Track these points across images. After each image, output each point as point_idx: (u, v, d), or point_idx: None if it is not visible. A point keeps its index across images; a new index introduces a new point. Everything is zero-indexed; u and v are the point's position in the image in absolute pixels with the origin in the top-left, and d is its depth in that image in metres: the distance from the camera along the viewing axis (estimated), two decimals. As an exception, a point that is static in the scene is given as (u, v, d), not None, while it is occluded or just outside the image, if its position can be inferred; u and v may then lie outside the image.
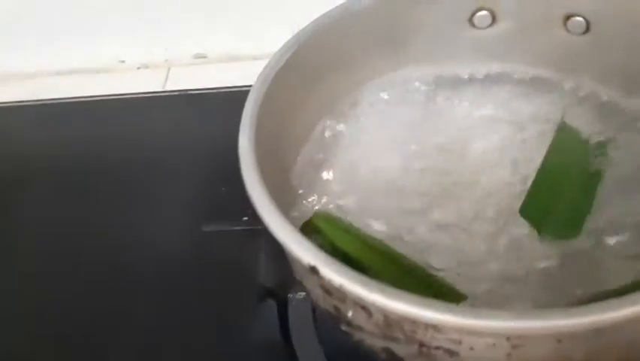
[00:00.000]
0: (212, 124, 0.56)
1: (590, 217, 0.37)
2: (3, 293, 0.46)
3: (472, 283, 0.35)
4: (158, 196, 0.51)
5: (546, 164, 0.40)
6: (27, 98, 0.61)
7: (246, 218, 0.46)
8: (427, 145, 0.43)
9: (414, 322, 0.28)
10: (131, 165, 0.54)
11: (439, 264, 0.37)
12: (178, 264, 0.46)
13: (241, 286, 0.44)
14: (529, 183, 0.39)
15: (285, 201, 0.35)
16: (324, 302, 0.32)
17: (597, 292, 0.32)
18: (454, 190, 0.40)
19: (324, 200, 0.41)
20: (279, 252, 0.35)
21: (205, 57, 0.64)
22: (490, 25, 0.44)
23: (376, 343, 0.31)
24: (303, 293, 0.42)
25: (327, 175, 0.42)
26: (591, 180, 0.39)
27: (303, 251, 0.29)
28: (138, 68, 0.64)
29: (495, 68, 0.45)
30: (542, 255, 0.36)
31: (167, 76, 0.63)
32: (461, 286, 0.35)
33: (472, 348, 0.28)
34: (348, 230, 0.38)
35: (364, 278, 0.28)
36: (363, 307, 0.29)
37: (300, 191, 0.41)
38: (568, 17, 0.42)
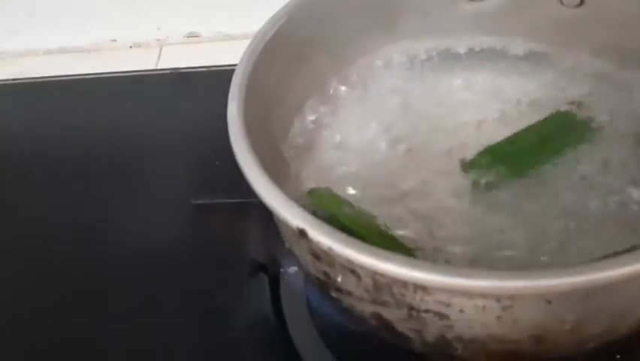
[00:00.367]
0: (205, 103, 0.55)
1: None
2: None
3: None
4: (151, 173, 0.51)
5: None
6: (16, 77, 0.60)
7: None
8: (419, 121, 0.43)
9: (403, 284, 0.28)
10: (124, 144, 0.54)
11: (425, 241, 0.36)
12: (170, 237, 0.46)
13: (233, 260, 0.44)
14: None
15: (276, 174, 0.34)
16: (314, 269, 0.32)
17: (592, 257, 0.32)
18: (443, 166, 0.40)
19: (315, 175, 0.40)
20: (271, 226, 0.35)
21: (198, 36, 0.63)
22: (484, -2, 0.43)
23: (366, 308, 0.31)
24: (295, 268, 0.42)
25: (317, 150, 0.42)
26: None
27: (291, 215, 0.29)
28: (130, 47, 0.64)
29: (489, 42, 0.45)
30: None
31: (159, 55, 0.62)
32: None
33: (461, 311, 0.28)
34: (346, 205, 0.38)
35: (353, 240, 0.28)
36: (352, 270, 0.29)
37: (292, 165, 0.40)
38: (562, -11, 0.42)
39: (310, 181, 0.40)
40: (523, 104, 0.43)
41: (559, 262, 0.33)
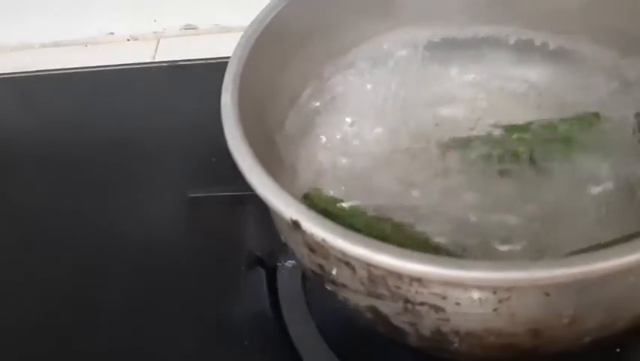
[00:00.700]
0: (202, 95, 0.55)
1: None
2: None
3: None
4: (148, 166, 0.50)
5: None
6: (12, 71, 0.60)
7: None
8: (417, 110, 0.42)
9: (398, 276, 0.27)
10: (121, 137, 0.53)
11: (436, 231, 0.36)
12: (166, 230, 0.45)
13: (230, 254, 0.44)
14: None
15: (271, 166, 0.34)
16: (309, 261, 0.31)
17: (586, 247, 0.31)
18: (439, 155, 0.40)
19: (311, 166, 0.40)
20: (268, 219, 0.35)
21: (195, 28, 0.63)
22: (485, -15, 0.43)
23: (361, 301, 0.30)
24: (293, 262, 0.42)
25: (314, 141, 0.41)
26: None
27: (284, 206, 0.29)
28: (127, 39, 0.63)
29: (489, 30, 0.44)
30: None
31: (156, 47, 0.62)
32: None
33: (457, 303, 0.27)
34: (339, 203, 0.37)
35: (347, 231, 0.27)
36: (347, 263, 0.29)
37: (288, 156, 0.40)
38: (561, -23, 0.41)
39: (306, 172, 0.39)
40: (521, 92, 0.42)
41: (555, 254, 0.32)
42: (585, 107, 0.40)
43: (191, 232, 0.45)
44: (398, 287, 0.28)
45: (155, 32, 0.63)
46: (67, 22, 0.62)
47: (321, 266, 0.31)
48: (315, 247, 0.29)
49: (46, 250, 0.46)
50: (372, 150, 0.41)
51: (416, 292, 0.28)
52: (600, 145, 0.38)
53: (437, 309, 0.28)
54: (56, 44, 0.63)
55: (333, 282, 0.31)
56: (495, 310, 0.27)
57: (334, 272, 0.30)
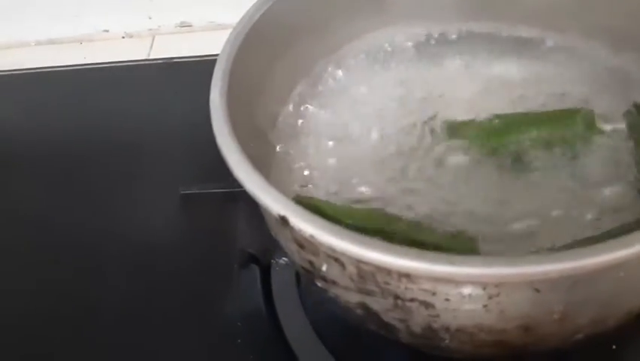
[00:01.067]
0: (197, 92, 0.54)
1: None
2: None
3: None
4: (141, 163, 0.50)
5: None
6: (6, 68, 0.60)
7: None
8: (410, 107, 0.42)
9: (387, 272, 0.27)
10: (115, 134, 0.53)
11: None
12: (159, 227, 0.45)
13: (223, 251, 0.43)
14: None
15: (262, 163, 0.34)
16: (299, 258, 0.31)
17: (575, 241, 0.31)
18: (434, 150, 0.39)
19: (303, 164, 0.40)
20: (261, 216, 0.35)
21: (190, 26, 0.63)
22: (478, -19, 0.43)
23: (351, 298, 0.30)
24: (286, 259, 0.41)
25: (306, 139, 0.41)
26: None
27: (272, 201, 0.28)
28: (122, 37, 0.63)
29: (482, 27, 0.44)
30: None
31: (151, 45, 0.62)
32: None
33: (447, 299, 0.27)
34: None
35: (335, 227, 0.27)
36: (336, 259, 0.28)
37: (279, 153, 0.40)
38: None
39: (299, 170, 0.39)
40: (515, 88, 0.42)
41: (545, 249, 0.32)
42: (579, 103, 0.40)
43: (184, 229, 0.45)
44: (387, 283, 0.28)
45: (150, 30, 0.63)
46: (62, 19, 0.62)
47: (311, 263, 0.30)
48: (305, 244, 0.29)
49: (38, 248, 0.46)
50: (364, 148, 0.40)
51: (405, 289, 0.27)
52: (593, 142, 0.38)
53: (427, 305, 0.28)
54: (51, 42, 0.63)
55: (324, 279, 0.31)
56: (485, 306, 0.27)
57: (324, 269, 0.30)
